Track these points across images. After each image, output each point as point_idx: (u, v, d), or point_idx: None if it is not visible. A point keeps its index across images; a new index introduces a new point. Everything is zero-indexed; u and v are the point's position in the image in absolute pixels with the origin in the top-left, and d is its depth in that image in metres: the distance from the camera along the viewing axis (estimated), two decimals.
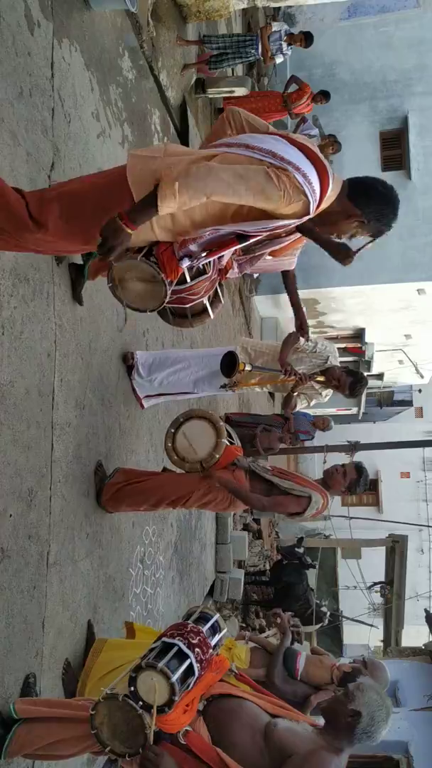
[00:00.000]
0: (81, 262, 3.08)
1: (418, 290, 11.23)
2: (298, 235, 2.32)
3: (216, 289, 2.34)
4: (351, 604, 14.80)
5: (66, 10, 3.33)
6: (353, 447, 7.14)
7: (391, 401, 22.01)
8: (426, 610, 10.22)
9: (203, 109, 7.45)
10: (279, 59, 7.48)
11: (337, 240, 2.35)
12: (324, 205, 2.09)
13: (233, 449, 3.40)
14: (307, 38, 7.26)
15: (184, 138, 6.14)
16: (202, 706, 2.16)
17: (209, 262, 2.15)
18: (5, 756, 2.26)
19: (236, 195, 1.91)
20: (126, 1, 3.74)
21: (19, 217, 2.07)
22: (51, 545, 2.78)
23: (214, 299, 2.39)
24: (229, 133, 2.26)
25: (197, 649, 2.04)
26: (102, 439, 3.47)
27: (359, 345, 14.03)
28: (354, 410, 18.58)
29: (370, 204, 2.11)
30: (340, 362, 4.84)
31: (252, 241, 2.14)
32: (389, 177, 10.81)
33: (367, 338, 13.70)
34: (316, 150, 2.06)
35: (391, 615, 13.19)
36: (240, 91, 7.30)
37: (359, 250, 2.38)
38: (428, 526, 13.75)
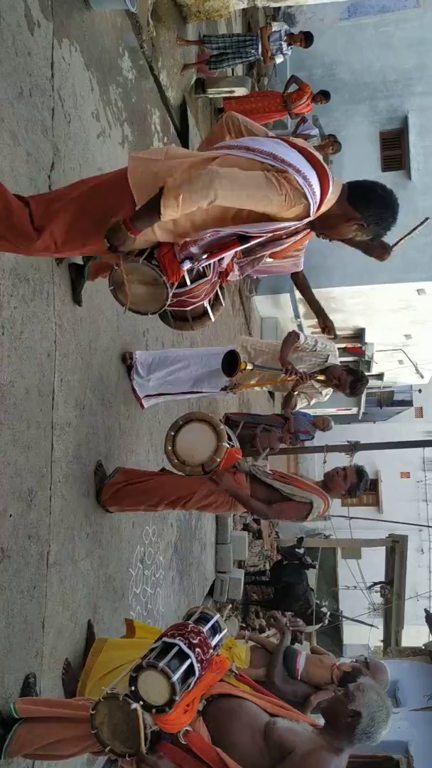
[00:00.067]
0: (81, 263, 3.08)
1: (418, 290, 11.23)
2: (300, 236, 2.32)
3: (216, 291, 2.35)
4: (351, 604, 14.81)
5: (66, 10, 3.33)
6: (353, 447, 7.14)
7: (391, 401, 22.01)
8: (426, 610, 10.22)
9: (203, 109, 7.45)
10: (279, 59, 7.48)
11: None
12: (324, 208, 2.10)
13: (234, 452, 3.40)
14: (307, 38, 7.26)
15: (184, 138, 6.14)
16: (201, 706, 2.16)
17: (209, 265, 2.16)
18: (5, 756, 2.26)
19: (238, 201, 1.92)
20: (126, 1, 3.74)
21: (21, 228, 2.08)
22: (51, 545, 2.78)
23: (215, 302, 2.40)
24: (228, 138, 2.27)
25: (198, 649, 2.04)
26: (102, 439, 3.47)
27: (359, 345, 14.03)
28: (354, 410, 18.58)
29: (369, 207, 2.13)
30: (340, 362, 4.84)
31: (253, 242, 2.14)
32: (389, 177, 10.89)
33: (367, 338, 13.70)
34: (316, 153, 2.07)
35: (391, 615, 13.19)
36: (240, 91, 7.30)
37: (395, 245, 2.39)
38: (428, 526, 13.74)
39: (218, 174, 1.89)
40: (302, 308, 11.99)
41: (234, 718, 2.14)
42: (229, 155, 2.00)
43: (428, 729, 7.29)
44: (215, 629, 2.22)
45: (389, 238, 2.35)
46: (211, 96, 7.32)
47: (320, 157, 2.09)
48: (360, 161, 10.77)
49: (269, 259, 2.45)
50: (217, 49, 6.73)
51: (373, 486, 20.69)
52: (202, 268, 2.15)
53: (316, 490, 3.43)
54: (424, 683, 8.23)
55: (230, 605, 6.79)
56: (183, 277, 2.12)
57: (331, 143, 8.46)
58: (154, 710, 1.97)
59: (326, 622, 8.79)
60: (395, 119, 11.23)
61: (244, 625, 7.67)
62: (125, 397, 3.90)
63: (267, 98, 7.69)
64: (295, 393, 4.81)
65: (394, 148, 11.24)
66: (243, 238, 2.10)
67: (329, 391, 4.85)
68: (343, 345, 13.74)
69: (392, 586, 13.03)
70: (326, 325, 3.85)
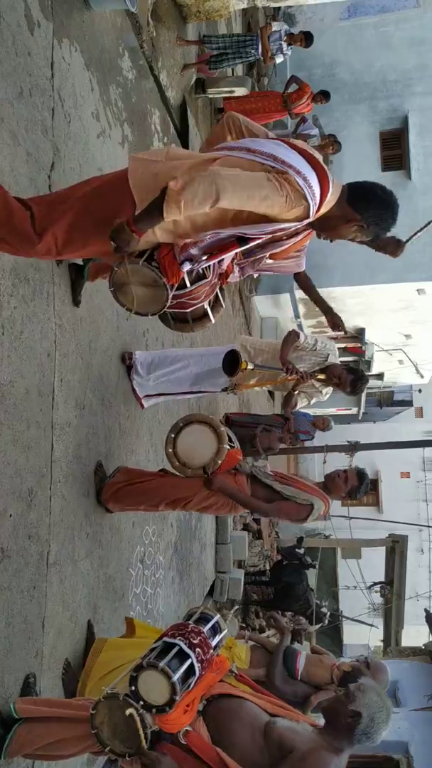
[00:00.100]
0: (81, 263, 3.08)
1: (418, 290, 11.23)
2: (300, 237, 2.33)
3: (217, 293, 2.36)
4: (351, 604, 14.82)
5: (66, 10, 3.33)
6: (353, 447, 7.14)
7: (391, 401, 22.02)
8: (426, 610, 10.23)
9: (203, 109, 7.45)
10: (279, 59, 7.48)
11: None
12: (324, 210, 2.11)
13: (234, 454, 3.40)
14: (307, 38, 7.26)
15: (184, 138, 6.14)
16: (201, 707, 2.16)
17: (209, 266, 2.16)
18: (5, 756, 2.26)
19: (240, 202, 1.93)
20: (126, 1, 3.74)
21: (22, 232, 2.09)
22: (51, 545, 2.78)
23: (215, 303, 2.40)
24: (230, 138, 2.28)
25: (198, 649, 2.04)
26: (102, 439, 3.47)
27: (359, 345, 14.03)
28: (354, 410, 18.59)
29: (369, 209, 2.14)
30: (341, 362, 4.84)
31: (252, 244, 2.15)
32: (389, 177, 10.89)
33: (367, 338, 13.70)
34: (316, 155, 2.08)
35: (391, 615, 13.20)
36: (240, 91, 7.31)
37: (408, 240, 2.39)
38: (428, 526, 13.76)
39: (220, 176, 1.90)
40: (302, 308, 11.99)
41: (234, 718, 2.14)
42: (230, 156, 2.01)
43: (428, 729, 7.29)
44: (215, 629, 2.22)
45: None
46: (211, 96, 7.32)
47: (320, 158, 2.10)
48: (360, 161, 10.77)
49: (270, 260, 2.46)
50: (217, 49, 6.73)
51: (373, 486, 20.66)
52: (202, 269, 2.16)
53: (317, 491, 3.43)
54: (424, 683, 8.23)
55: (234, 609, 6.78)
56: (183, 278, 2.13)
57: (331, 143, 8.46)
58: (154, 710, 1.97)
59: (326, 622, 8.79)
60: (395, 119, 11.23)
61: (244, 625, 7.67)
62: (125, 397, 3.90)
63: (267, 98, 7.69)
64: (296, 392, 4.81)
65: (394, 148, 11.23)
66: (242, 240, 2.11)
67: (329, 390, 4.86)
68: (343, 345, 13.74)
69: (392, 586, 13.03)
70: (335, 323, 3.84)
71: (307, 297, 4.03)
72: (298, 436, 5.78)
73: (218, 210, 1.99)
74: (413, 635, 13.51)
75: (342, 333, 3.87)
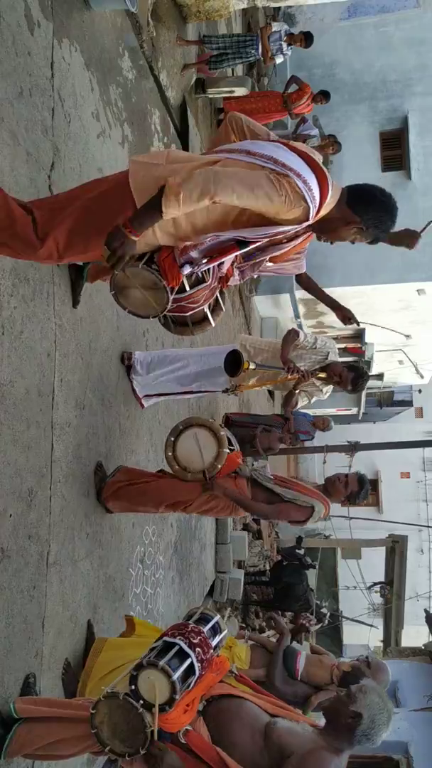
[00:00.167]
0: (81, 264, 3.08)
1: (418, 290, 11.24)
2: (300, 240, 2.34)
3: (217, 297, 2.36)
4: (351, 604, 14.83)
5: (66, 10, 3.33)
6: (353, 447, 7.14)
7: (391, 401, 22.03)
8: (426, 610, 10.24)
9: (203, 109, 7.45)
10: (279, 59, 7.49)
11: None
12: (323, 212, 2.12)
13: (234, 457, 3.40)
14: (307, 38, 7.27)
15: (184, 138, 6.14)
16: (201, 707, 2.16)
17: (209, 270, 2.17)
18: (5, 756, 2.26)
19: (239, 199, 1.93)
20: (126, 1, 3.74)
21: (24, 237, 2.10)
22: (51, 545, 2.78)
23: (215, 307, 2.41)
24: (233, 138, 2.29)
25: (198, 649, 2.05)
26: (102, 439, 3.47)
27: (359, 345, 14.04)
28: (354, 410, 18.60)
29: (369, 211, 2.15)
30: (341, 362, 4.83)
31: (252, 246, 2.16)
32: (389, 177, 10.89)
33: (367, 338, 13.71)
34: (316, 156, 2.09)
35: (391, 615, 13.21)
36: (240, 91, 7.31)
37: (423, 230, 2.42)
38: (428, 526, 13.76)
39: (220, 171, 1.91)
40: (302, 308, 11.99)
41: (234, 718, 2.14)
42: (230, 159, 2.01)
43: (428, 729, 7.30)
44: (215, 630, 2.23)
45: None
46: (211, 96, 7.33)
47: (320, 160, 2.11)
48: (360, 161, 10.77)
49: (270, 263, 2.47)
50: (217, 49, 6.73)
51: (373, 486, 20.67)
52: (201, 273, 2.17)
53: (317, 494, 3.43)
54: (424, 683, 8.23)
55: (229, 608, 6.78)
56: (182, 282, 2.13)
57: (331, 143, 8.46)
58: (154, 709, 1.97)
59: (326, 622, 8.79)
60: (395, 119, 11.23)
61: (244, 625, 7.67)
62: (125, 397, 3.90)
63: (267, 98, 7.70)
64: (297, 391, 4.79)
65: (394, 148, 11.23)
66: (242, 243, 2.12)
67: (329, 388, 4.84)
68: (343, 345, 13.75)
69: (392, 586, 13.05)
70: (345, 315, 3.83)
71: (308, 297, 4.03)
72: (298, 437, 5.78)
73: (219, 212, 2.00)
74: (413, 635, 13.52)
75: (355, 324, 3.86)
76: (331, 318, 12.94)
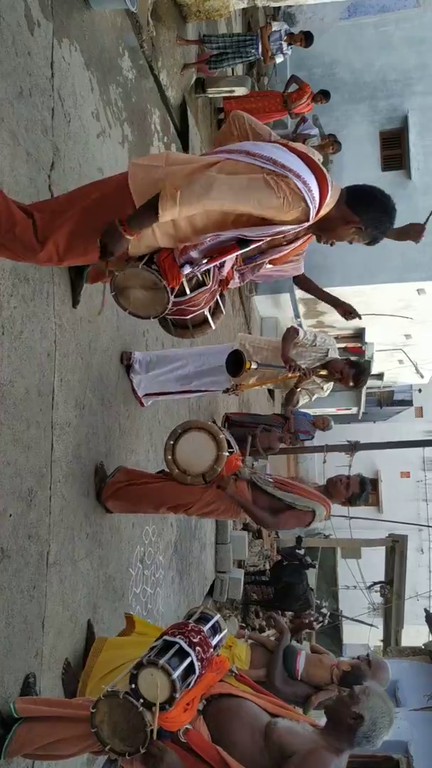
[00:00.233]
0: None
1: (418, 290, 11.24)
2: (299, 242, 2.35)
3: (217, 299, 2.37)
4: (351, 604, 14.83)
5: (66, 10, 3.33)
6: (353, 447, 7.14)
7: (391, 401, 22.03)
8: (426, 610, 10.23)
9: (203, 109, 7.45)
10: (279, 59, 7.49)
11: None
12: (323, 212, 2.13)
13: (234, 460, 3.39)
14: (307, 38, 7.27)
15: (184, 138, 6.14)
16: (201, 706, 2.16)
17: (209, 273, 2.18)
18: (5, 755, 2.26)
19: (238, 204, 1.94)
20: (126, 1, 3.74)
21: (24, 240, 2.11)
22: (51, 545, 2.78)
23: (215, 310, 2.42)
24: (236, 134, 2.29)
25: (198, 648, 2.05)
26: (102, 439, 3.47)
27: (359, 345, 14.04)
28: (354, 410, 18.60)
29: (368, 211, 2.17)
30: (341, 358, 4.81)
31: (253, 246, 2.16)
32: (389, 177, 10.89)
33: (367, 338, 13.71)
34: (316, 156, 2.09)
35: (391, 615, 13.21)
36: (240, 91, 7.31)
37: (426, 221, 2.44)
38: (428, 526, 13.76)
39: (218, 177, 1.92)
40: (302, 308, 11.99)
41: (234, 717, 2.14)
42: (229, 160, 2.02)
43: (428, 729, 7.30)
44: (215, 629, 2.22)
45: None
46: (211, 96, 7.33)
47: (320, 160, 2.11)
48: (360, 161, 10.77)
49: (269, 266, 2.48)
50: (217, 49, 6.73)
51: (373, 486, 20.67)
52: (202, 276, 2.17)
53: (318, 496, 3.43)
54: (424, 683, 8.23)
55: (230, 605, 6.78)
56: (183, 286, 2.14)
57: (331, 143, 8.47)
58: (154, 708, 1.97)
59: (326, 622, 8.79)
60: (395, 119, 11.22)
61: (244, 624, 7.67)
62: (125, 397, 3.90)
63: (267, 98, 7.70)
64: (298, 390, 4.78)
65: (394, 147, 11.23)
66: (243, 242, 2.12)
67: (330, 385, 4.83)
68: (343, 345, 13.75)
69: (392, 586, 13.04)
70: (346, 310, 3.84)
71: (308, 297, 4.04)
72: (298, 436, 5.78)
73: (219, 213, 2.01)
74: (413, 635, 13.52)
75: (357, 319, 3.87)
76: (331, 317, 12.98)
